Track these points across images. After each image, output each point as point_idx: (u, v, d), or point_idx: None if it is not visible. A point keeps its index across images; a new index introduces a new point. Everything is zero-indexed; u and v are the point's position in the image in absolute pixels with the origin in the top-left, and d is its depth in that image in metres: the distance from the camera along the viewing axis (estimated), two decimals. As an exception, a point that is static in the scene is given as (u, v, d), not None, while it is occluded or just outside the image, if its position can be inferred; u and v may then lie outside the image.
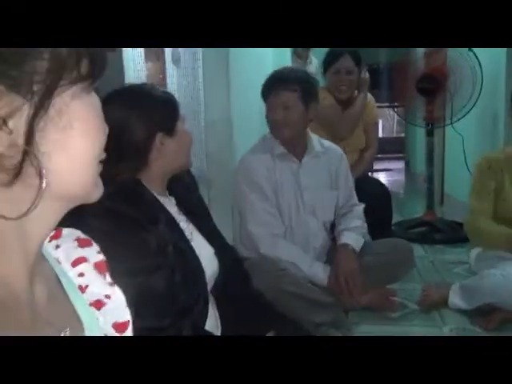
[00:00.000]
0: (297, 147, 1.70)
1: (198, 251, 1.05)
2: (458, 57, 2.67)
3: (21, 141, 0.35)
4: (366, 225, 1.81)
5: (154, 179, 1.06)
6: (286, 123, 1.62)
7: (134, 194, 0.99)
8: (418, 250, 2.61)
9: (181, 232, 1.04)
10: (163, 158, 1.04)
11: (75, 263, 0.50)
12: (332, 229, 1.85)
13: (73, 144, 0.39)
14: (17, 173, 0.36)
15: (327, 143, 1.82)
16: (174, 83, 3.41)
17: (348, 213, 1.80)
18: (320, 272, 1.65)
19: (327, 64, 2.32)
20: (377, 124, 2.55)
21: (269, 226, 1.65)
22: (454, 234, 2.74)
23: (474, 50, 2.64)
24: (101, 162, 0.43)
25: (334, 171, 1.77)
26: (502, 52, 2.60)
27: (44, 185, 0.37)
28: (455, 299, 1.82)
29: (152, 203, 1.02)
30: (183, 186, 1.14)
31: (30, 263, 0.41)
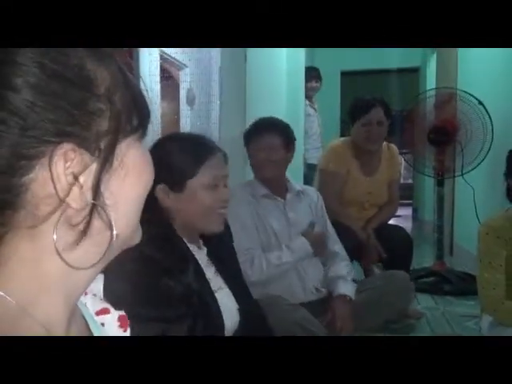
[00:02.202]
0: (279, 188, 1.84)
1: (221, 303, 1.04)
2: (468, 109, 2.72)
3: (89, 195, 0.37)
4: (351, 268, 1.91)
5: (181, 228, 1.07)
6: (276, 162, 1.79)
7: (163, 238, 0.98)
8: (429, 301, 2.56)
9: (206, 283, 1.04)
10: (177, 212, 1.05)
11: (98, 313, 0.51)
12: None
13: (130, 191, 0.41)
14: (86, 227, 0.37)
15: (302, 185, 2.05)
16: (187, 124, 3.47)
17: (334, 254, 1.88)
18: (284, 257, 1.72)
19: (356, 114, 2.28)
20: (400, 178, 2.53)
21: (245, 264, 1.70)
22: (464, 286, 2.69)
23: (484, 103, 2.69)
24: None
25: (313, 206, 1.92)
26: None
27: (115, 236, 0.39)
28: None
29: (181, 249, 1.02)
30: (217, 237, 1.13)
31: (70, 308, 0.42)
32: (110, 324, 0.51)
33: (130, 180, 0.40)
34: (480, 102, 2.68)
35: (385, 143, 2.38)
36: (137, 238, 0.45)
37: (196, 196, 1.06)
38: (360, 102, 2.31)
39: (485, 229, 1.70)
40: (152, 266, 0.90)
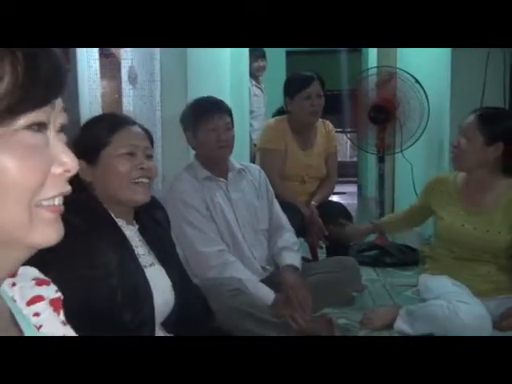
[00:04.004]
0: (220, 168, 1.83)
1: (152, 279, 1.05)
2: (407, 88, 2.82)
3: None
4: (296, 239, 1.93)
5: (107, 202, 1.07)
6: (229, 141, 1.79)
7: (84, 205, 1.00)
8: (371, 273, 2.67)
9: (133, 255, 1.05)
10: (98, 185, 1.07)
11: (30, 302, 0.48)
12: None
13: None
14: None
15: (244, 163, 2.02)
16: (130, 103, 3.35)
17: (280, 228, 1.90)
18: (265, 294, 1.70)
19: (296, 88, 2.32)
20: (337, 153, 2.59)
21: (214, 244, 1.71)
22: (404, 258, 2.83)
23: (422, 82, 2.79)
24: (61, 203, 0.42)
25: (256, 183, 1.92)
26: (446, 85, 2.76)
27: None
28: (400, 323, 1.86)
29: (102, 217, 1.04)
30: (152, 220, 1.15)
31: None
32: (45, 311, 0.49)
33: None
34: (417, 81, 2.78)
35: (320, 119, 2.46)
36: (42, 239, 0.41)
37: (111, 165, 1.07)
38: (299, 76, 2.38)
39: (432, 178, 1.97)
40: (72, 232, 0.92)
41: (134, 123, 1.13)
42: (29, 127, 0.38)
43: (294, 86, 2.35)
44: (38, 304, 0.49)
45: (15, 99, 0.37)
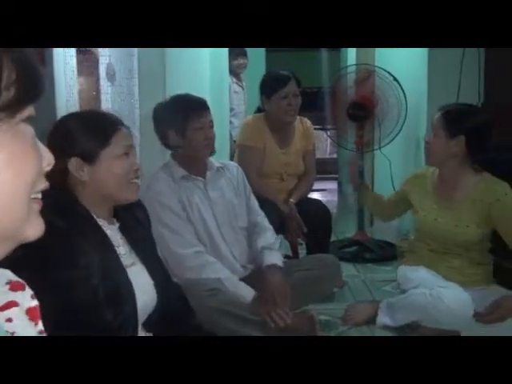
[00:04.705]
0: (198, 167, 1.82)
1: (134, 277, 1.06)
2: (385, 86, 2.85)
3: None
4: (276, 237, 1.95)
5: (89, 200, 1.07)
6: (213, 139, 1.80)
7: (65, 206, 1.01)
8: (351, 269, 2.70)
9: (115, 255, 1.05)
10: (93, 184, 1.06)
11: (4, 307, 0.47)
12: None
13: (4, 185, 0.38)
14: None
15: (222, 161, 2.02)
16: (108, 100, 3.30)
17: (258, 226, 1.90)
18: (244, 292, 1.70)
19: (273, 88, 2.32)
20: (314, 150, 2.60)
21: (190, 245, 1.71)
22: (383, 253, 2.87)
23: (399, 79, 2.83)
24: (42, 198, 0.42)
25: (234, 181, 1.92)
26: (423, 83, 2.81)
27: None
28: (382, 317, 1.90)
29: (84, 218, 1.04)
30: (133, 218, 1.16)
31: None
32: (19, 318, 0.48)
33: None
34: (395, 79, 2.82)
35: (298, 117, 2.46)
36: (31, 233, 0.42)
37: (111, 166, 1.08)
38: (276, 75, 2.38)
39: (411, 174, 2.05)
40: (54, 233, 0.91)
41: (123, 123, 1.15)
42: (23, 121, 0.39)
43: (270, 85, 2.34)
44: (12, 310, 0.48)
45: (22, 89, 0.37)
